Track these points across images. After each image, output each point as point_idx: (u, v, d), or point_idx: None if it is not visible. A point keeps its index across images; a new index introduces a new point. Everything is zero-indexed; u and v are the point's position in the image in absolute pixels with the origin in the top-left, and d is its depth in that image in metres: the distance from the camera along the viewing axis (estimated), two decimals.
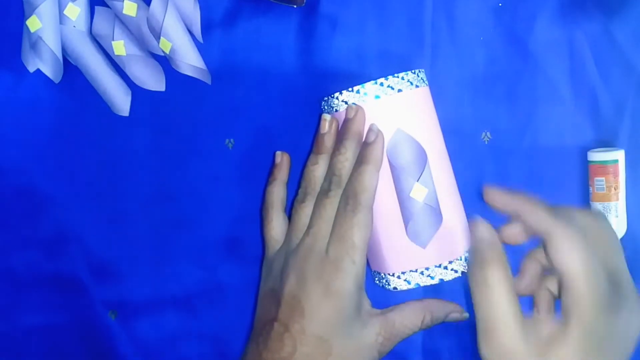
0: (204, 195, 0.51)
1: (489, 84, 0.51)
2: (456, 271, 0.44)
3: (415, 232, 0.43)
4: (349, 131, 0.42)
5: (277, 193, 0.46)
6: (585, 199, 0.51)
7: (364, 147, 0.42)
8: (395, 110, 0.43)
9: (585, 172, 0.50)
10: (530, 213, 0.35)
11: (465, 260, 0.45)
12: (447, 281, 0.44)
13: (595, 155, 0.49)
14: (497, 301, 0.32)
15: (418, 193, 0.43)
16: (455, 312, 0.44)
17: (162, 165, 0.51)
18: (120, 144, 0.51)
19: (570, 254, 0.32)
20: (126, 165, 0.51)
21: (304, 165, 0.45)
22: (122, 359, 0.52)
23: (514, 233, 0.37)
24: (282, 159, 0.47)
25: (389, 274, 0.45)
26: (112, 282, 0.52)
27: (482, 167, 0.51)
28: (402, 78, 0.43)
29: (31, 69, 0.47)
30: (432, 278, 0.44)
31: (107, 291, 0.52)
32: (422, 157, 0.43)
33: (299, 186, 0.45)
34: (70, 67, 0.49)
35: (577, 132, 0.51)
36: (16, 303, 0.52)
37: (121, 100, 0.49)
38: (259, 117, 0.51)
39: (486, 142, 0.51)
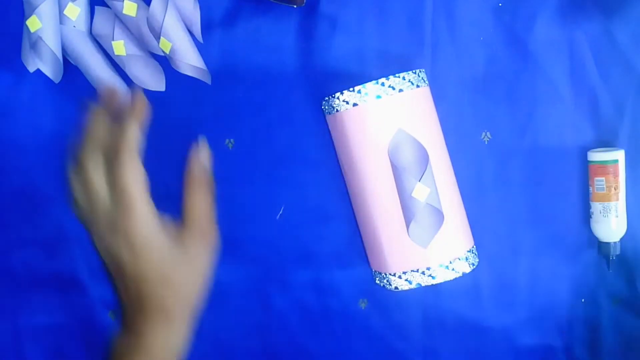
0: None
1: (489, 84, 0.51)
2: (457, 271, 0.44)
3: (417, 232, 0.43)
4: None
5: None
6: (585, 199, 0.51)
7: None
8: (397, 110, 0.43)
9: (585, 172, 0.50)
10: None
11: (466, 260, 0.45)
12: (447, 281, 0.44)
13: (595, 155, 0.49)
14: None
15: (420, 193, 0.43)
16: None
17: (162, 165, 0.51)
18: None
19: None
20: None
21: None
22: None
23: None
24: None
25: (390, 274, 0.45)
26: None
27: (482, 167, 0.51)
28: (403, 78, 0.43)
29: (31, 69, 0.47)
30: (433, 278, 0.44)
31: (107, 291, 0.52)
32: (423, 157, 0.43)
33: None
34: (70, 67, 0.49)
35: (577, 132, 0.51)
36: (16, 303, 0.52)
37: None
38: (259, 117, 0.51)
39: (486, 142, 0.51)
